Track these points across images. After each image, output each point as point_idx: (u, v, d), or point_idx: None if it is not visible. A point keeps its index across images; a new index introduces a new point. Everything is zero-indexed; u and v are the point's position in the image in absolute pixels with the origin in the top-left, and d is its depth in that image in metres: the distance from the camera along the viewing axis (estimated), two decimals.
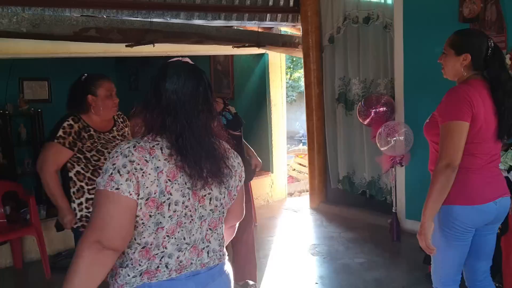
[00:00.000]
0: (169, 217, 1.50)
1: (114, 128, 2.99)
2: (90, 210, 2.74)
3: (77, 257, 1.42)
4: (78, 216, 2.79)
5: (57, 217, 2.87)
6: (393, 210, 4.81)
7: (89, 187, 2.78)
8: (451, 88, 2.31)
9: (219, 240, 1.67)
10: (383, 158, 4.78)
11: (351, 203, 5.67)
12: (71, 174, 2.80)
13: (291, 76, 15.48)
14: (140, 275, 1.51)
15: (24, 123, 6.63)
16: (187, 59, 1.65)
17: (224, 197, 1.62)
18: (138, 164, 1.45)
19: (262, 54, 6.44)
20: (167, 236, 1.52)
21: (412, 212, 4.88)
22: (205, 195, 1.56)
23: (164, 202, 1.48)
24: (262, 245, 4.67)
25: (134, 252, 1.52)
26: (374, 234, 4.97)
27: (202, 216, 1.58)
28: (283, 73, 6.71)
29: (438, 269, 2.45)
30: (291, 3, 5.80)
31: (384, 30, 5.06)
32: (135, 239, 1.51)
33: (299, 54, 6.11)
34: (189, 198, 1.52)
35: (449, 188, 2.20)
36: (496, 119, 2.28)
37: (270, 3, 5.63)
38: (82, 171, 2.79)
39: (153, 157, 1.47)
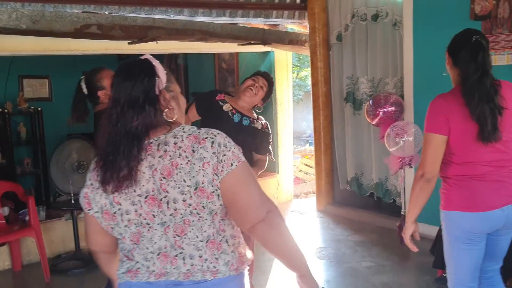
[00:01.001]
0: (125, 226, 1.50)
1: None
2: None
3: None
4: None
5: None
6: (402, 213, 4.70)
7: None
8: (434, 98, 2.36)
9: (194, 245, 1.48)
10: (391, 159, 4.67)
11: (358, 205, 5.57)
12: None
13: (297, 74, 15.39)
14: (126, 272, 1.55)
15: (23, 122, 6.57)
16: (147, 56, 1.57)
17: (191, 196, 1.44)
18: (90, 180, 1.52)
19: (268, 52, 6.35)
20: (134, 244, 1.52)
21: (421, 215, 4.73)
22: (161, 199, 1.45)
23: (115, 213, 1.49)
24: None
25: (121, 252, 1.59)
26: (382, 237, 4.87)
27: (164, 222, 1.48)
28: (289, 72, 6.61)
29: (451, 275, 2.44)
30: (298, 0, 5.69)
31: (393, 28, 4.95)
32: (119, 243, 1.58)
33: (306, 52, 6.02)
34: (141, 206, 1.47)
35: (425, 197, 2.31)
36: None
37: None
38: None
39: (96, 169, 1.49)
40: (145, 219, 1.48)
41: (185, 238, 1.48)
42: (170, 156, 1.44)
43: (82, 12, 4.31)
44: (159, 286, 1.51)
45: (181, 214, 1.46)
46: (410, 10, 4.66)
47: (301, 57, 13.88)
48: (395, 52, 4.97)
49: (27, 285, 4.20)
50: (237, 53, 6.68)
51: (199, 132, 1.49)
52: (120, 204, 1.48)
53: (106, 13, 4.47)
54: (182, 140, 1.46)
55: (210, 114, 3.10)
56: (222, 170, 1.44)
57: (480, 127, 2.20)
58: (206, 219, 1.48)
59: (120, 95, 1.46)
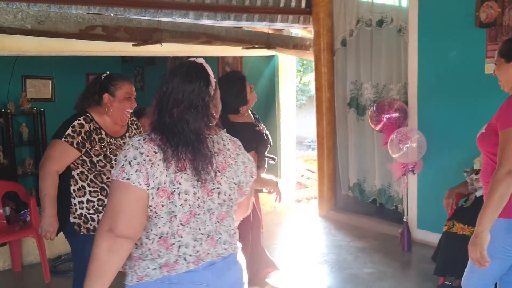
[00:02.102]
0: (180, 205, 1.57)
1: (127, 134, 2.86)
2: (91, 211, 2.66)
3: (94, 245, 1.54)
4: (78, 213, 2.66)
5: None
6: (404, 219, 4.69)
7: (91, 188, 2.66)
8: (510, 95, 2.21)
9: (228, 232, 1.74)
10: (394, 166, 4.66)
11: (360, 211, 5.54)
12: (73, 173, 2.67)
13: (301, 79, 15.37)
14: (159, 268, 1.59)
15: (26, 123, 6.57)
16: (200, 59, 1.73)
17: (234, 192, 1.71)
18: (147, 156, 1.55)
19: (272, 56, 6.35)
20: (181, 225, 1.60)
21: (424, 222, 4.76)
22: (213, 189, 1.65)
23: (174, 191, 1.56)
24: (267, 252, 4.54)
25: (152, 243, 1.61)
26: (384, 243, 4.84)
27: (211, 209, 1.66)
28: (293, 76, 6.60)
29: (473, 278, 2.36)
30: (303, 5, 5.69)
31: (397, 34, 4.94)
32: (151, 230, 1.61)
33: (310, 56, 6.01)
34: (199, 190, 1.61)
35: (508, 196, 2.10)
36: None
37: (281, 4, 5.53)
38: (86, 172, 2.67)
39: (161, 149, 1.56)
40: (202, 202, 1.63)
41: (223, 225, 1.72)
42: (223, 154, 1.69)
43: (87, 13, 4.32)
44: (197, 272, 1.63)
45: (226, 205, 1.71)
46: (415, 16, 4.66)
47: (304, 62, 13.87)
48: (399, 58, 4.96)
49: (27, 285, 4.18)
50: (241, 57, 6.67)
51: (235, 139, 1.81)
52: (180, 184, 1.57)
53: (111, 14, 4.47)
54: (228, 143, 1.75)
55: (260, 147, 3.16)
56: (254, 173, 1.81)
57: None
58: (234, 211, 1.79)
59: (180, 96, 1.60)
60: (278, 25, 5.74)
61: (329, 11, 5.57)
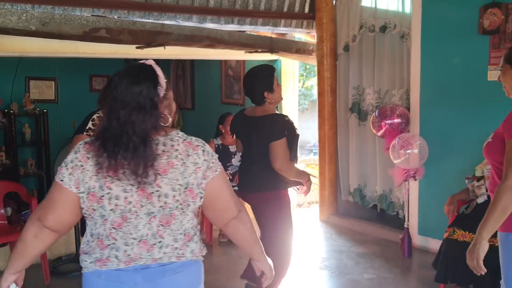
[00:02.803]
0: (110, 210, 1.63)
1: None
2: None
3: (24, 228, 1.72)
4: None
5: None
6: (405, 225, 4.68)
7: None
8: None
9: (174, 236, 1.70)
10: (396, 171, 4.65)
11: (361, 216, 5.53)
12: None
13: (303, 84, 15.37)
14: (94, 262, 1.68)
15: (29, 123, 6.59)
16: (150, 61, 1.73)
17: (180, 194, 1.66)
18: (80, 161, 1.64)
19: (275, 61, 6.35)
20: (114, 228, 1.65)
21: (425, 228, 4.75)
22: (152, 192, 1.64)
23: (103, 196, 1.62)
24: None
25: (93, 240, 1.70)
26: (384, 249, 4.83)
27: (151, 212, 1.65)
28: (296, 81, 6.60)
29: None
30: (306, 9, 5.70)
31: (400, 40, 4.94)
32: (92, 229, 1.70)
33: (312, 61, 6.01)
34: (132, 194, 1.63)
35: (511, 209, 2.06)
36: None
37: (285, 8, 5.54)
38: None
39: (95, 154, 1.62)
40: (134, 206, 1.64)
41: (168, 228, 1.68)
42: (167, 156, 1.64)
43: (91, 15, 4.32)
44: (127, 272, 1.68)
45: (169, 207, 1.66)
46: (419, 22, 4.66)
47: (307, 67, 13.88)
48: (402, 64, 4.96)
49: (26, 286, 4.15)
50: (244, 61, 6.69)
51: (191, 139, 1.72)
52: (110, 189, 1.62)
53: (115, 17, 4.48)
54: (179, 144, 1.68)
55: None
56: (209, 175, 1.71)
57: None
58: (187, 214, 1.71)
59: (127, 99, 1.62)
60: (281, 29, 5.74)
61: (332, 16, 5.58)
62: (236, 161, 5.18)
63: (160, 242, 1.68)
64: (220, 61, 7.09)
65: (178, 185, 1.65)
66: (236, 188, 4.96)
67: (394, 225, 5.13)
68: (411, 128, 4.73)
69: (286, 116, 3.40)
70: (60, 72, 7.04)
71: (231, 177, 5.06)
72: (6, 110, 6.28)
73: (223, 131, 5.19)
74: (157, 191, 1.63)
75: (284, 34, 6.08)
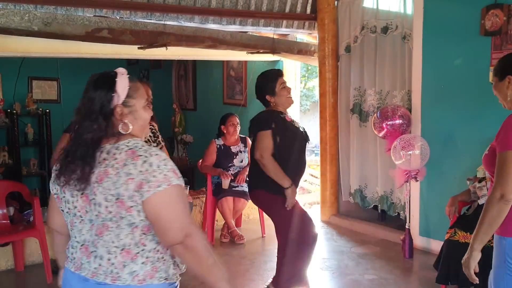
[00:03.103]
0: (66, 212, 1.71)
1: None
2: None
3: None
4: None
5: None
6: (406, 226, 4.67)
7: None
8: (509, 115, 2.16)
9: (107, 248, 1.63)
10: (397, 172, 4.65)
11: (363, 217, 5.53)
12: None
13: (305, 85, 15.38)
14: (66, 258, 1.77)
15: (31, 123, 6.61)
16: (120, 69, 1.73)
17: (113, 205, 1.59)
18: (54, 167, 1.74)
19: (277, 61, 6.36)
20: (71, 230, 1.73)
21: (426, 229, 4.75)
22: (91, 200, 1.63)
23: (62, 199, 1.71)
24: (269, 257, 4.55)
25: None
26: (385, 250, 4.83)
27: (91, 220, 1.65)
28: (297, 82, 6.61)
29: None
30: (308, 10, 5.71)
31: (402, 41, 4.94)
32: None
33: (314, 62, 6.02)
34: (77, 200, 1.66)
35: (501, 220, 2.09)
36: None
37: (287, 9, 5.55)
38: None
39: (59, 161, 1.71)
40: (79, 211, 1.66)
41: (101, 239, 1.63)
42: (105, 164, 1.61)
43: (94, 16, 4.34)
44: (74, 278, 1.70)
45: (102, 217, 1.62)
46: (420, 23, 4.66)
47: (309, 67, 13.88)
48: (403, 65, 4.96)
49: (29, 285, 4.20)
50: (245, 61, 6.69)
51: (139, 148, 1.64)
52: (64, 193, 1.69)
53: (118, 17, 4.49)
54: (121, 152, 1.62)
55: (285, 134, 3.38)
56: (148, 190, 1.57)
57: None
58: (123, 228, 1.62)
59: (81, 105, 1.67)
60: (283, 30, 5.75)
61: (334, 17, 5.58)
62: (238, 161, 5.19)
63: (95, 251, 1.65)
64: (222, 61, 7.10)
65: (110, 195, 1.59)
66: (238, 188, 5.02)
67: (395, 226, 5.13)
68: (412, 129, 4.73)
69: (282, 113, 3.47)
70: (63, 72, 7.07)
71: (232, 177, 5.06)
72: (9, 110, 6.30)
73: (225, 131, 5.20)
74: (93, 199, 1.62)
75: (286, 35, 6.09)
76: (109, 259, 1.62)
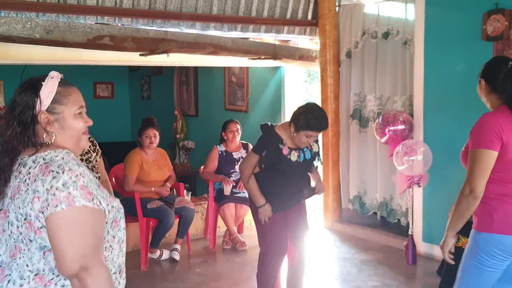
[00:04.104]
0: None
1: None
2: None
3: None
4: None
5: None
6: (409, 232, 4.65)
7: None
8: (482, 115, 2.34)
9: (20, 272, 1.45)
10: (400, 178, 4.64)
11: (365, 223, 5.50)
12: None
13: (307, 90, 15.41)
14: None
15: None
16: (52, 73, 1.55)
17: (22, 225, 1.42)
18: None
19: (278, 67, 6.36)
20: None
21: (429, 235, 4.72)
22: (7, 217, 1.48)
23: None
24: None
25: None
26: (388, 256, 4.81)
27: (6, 239, 1.49)
28: (299, 87, 6.61)
29: None
30: (309, 16, 5.71)
31: (403, 46, 4.94)
32: None
33: (316, 68, 6.02)
34: None
35: (470, 213, 2.32)
36: None
37: (288, 15, 5.56)
38: None
39: None
40: (4, 228, 1.48)
41: (14, 262, 1.46)
42: (19, 179, 1.45)
43: (95, 23, 4.35)
44: None
45: (14, 238, 1.45)
46: (422, 29, 4.66)
47: (310, 73, 13.93)
48: (404, 70, 4.95)
49: None
50: (247, 68, 6.70)
51: (55, 162, 1.44)
52: None
53: (119, 24, 4.51)
54: (36, 166, 1.44)
55: (276, 166, 3.35)
56: (47, 209, 1.38)
57: None
58: (34, 253, 1.43)
59: (6, 110, 1.55)
60: (284, 36, 5.76)
61: (335, 23, 5.58)
62: (239, 167, 5.18)
63: (9, 275, 1.47)
64: (224, 68, 7.11)
65: (19, 214, 1.42)
66: (240, 194, 5.00)
67: (398, 232, 5.10)
68: (414, 134, 4.72)
69: (282, 143, 3.33)
70: (65, 79, 7.07)
71: (234, 184, 5.05)
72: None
73: (225, 138, 5.20)
74: (8, 216, 1.47)
75: (287, 41, 6.09)
76: (21, 285, 1.44)
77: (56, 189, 1.38)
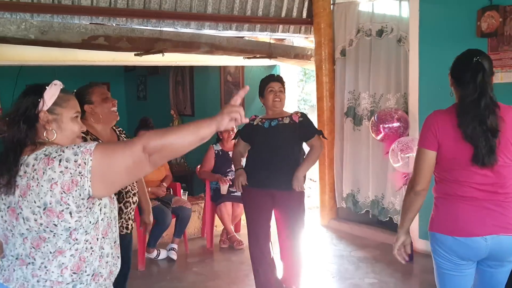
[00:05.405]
0: (2, 224, 1.65)
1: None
2: None
3: None
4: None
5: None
6: None
7: None
8: (431, 113, 2.37)
9: (46, 258, 1.61)
10: (396, 175, 4.65)
11: (362, 220, 5.52)
12: None
13: (303, 89, 15.41)
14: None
15: None
16: (55, 82, 1.73)
17: (42, 217, 1.56)
18: None
19: (274, 66, 6.36)
20: (4, 244, 1.70)
21: (426, 232, 4.69)
22: (18, 214, 1.60)
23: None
24: None
25: None
26: (385, 253, 4.81)
27: (22, 233, 1.62)
28: (295, 86, 6.61)
29: None
30: (304, 15, 5.72)
31: (397, 44, 4.95)
32: None
33: (311, 66, 6.03)
34: (6, 213, 1.62)
35: (414, 210, 2.35)
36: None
37: (283, 14, 5.56)
38: None
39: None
40: (9, 225, 1.63)
41: (39, 251, 1.61)
42: (27, 177, 1.57)
43: (90, 23, 4.35)
44: None
45: (35, 231, 1.59)
46: (416, 26, 4.67)
47: (306, 72, 13.92)
48: (398, 68, 4.96)
49: None
50: (242, 67, 6.70)
51: (53, 152, 1.57)
52: None
53: (114, 25, 4.50)
54: (39, 162, 1.57)
55: (251, 136, 3.68)
56: (84, 167, 1.53)
57: (474, 149, 2.16)
58: (61, 234, 1.59)
59: (9, 111, 1.68)
60: (279, 35, 5.77)
61: (330, 21, 5.59)
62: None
63: (32, 263, 1.62)
64: (219, 67, 7.10)
65: (37, 208, 1.56)
66: (236, 193, 5.01)
67: (394, 229, 5.03)
68: (410, 131, 4.73)
69: (253, 120, 3.69)
70: (60, 80, 6.98)
71: (231, 183, 5.06)
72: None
73: (221, 137, 5.20)
74: (20, 213, 1.59)
75: (282, 40, 6.10)
76: (48, 268, 1.63)
77: (70, 160, 1.54)
